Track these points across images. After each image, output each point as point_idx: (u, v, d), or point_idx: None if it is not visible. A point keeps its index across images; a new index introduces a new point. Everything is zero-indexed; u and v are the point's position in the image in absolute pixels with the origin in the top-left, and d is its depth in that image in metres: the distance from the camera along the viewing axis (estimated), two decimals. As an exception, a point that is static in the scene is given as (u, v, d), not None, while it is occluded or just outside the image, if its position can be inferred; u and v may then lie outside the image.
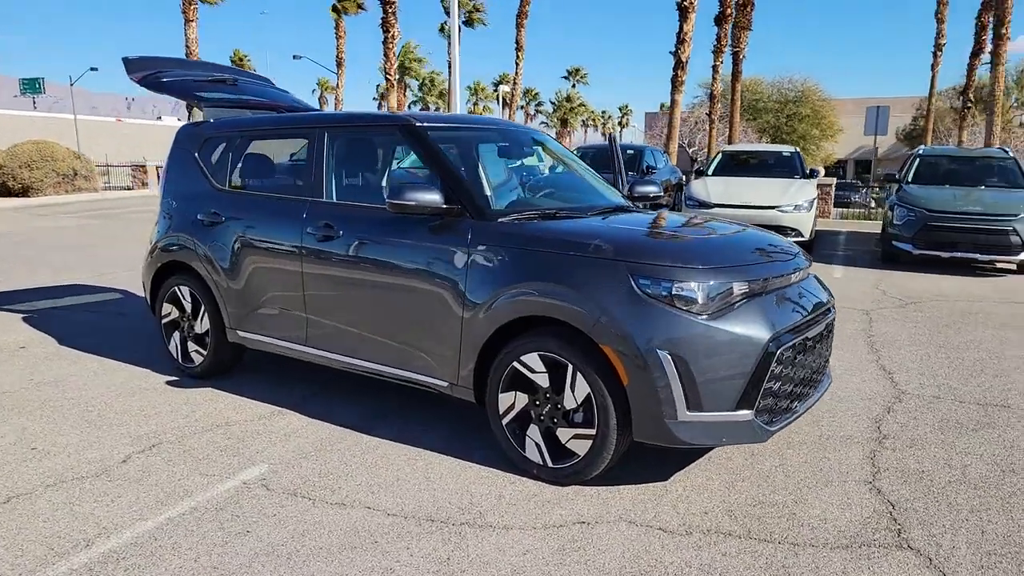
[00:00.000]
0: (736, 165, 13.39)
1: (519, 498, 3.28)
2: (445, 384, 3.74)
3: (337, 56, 38.73)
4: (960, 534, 3.00)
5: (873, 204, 21.64)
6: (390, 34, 23.01)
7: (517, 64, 33.01)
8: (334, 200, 4.23)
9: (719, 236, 3.74)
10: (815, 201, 11.74)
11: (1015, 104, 48.80)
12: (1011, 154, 11.70)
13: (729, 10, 23.94)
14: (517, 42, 32.62)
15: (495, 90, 70.34)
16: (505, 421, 3.52)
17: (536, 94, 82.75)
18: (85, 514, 3.10)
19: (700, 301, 3.13)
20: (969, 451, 3.86)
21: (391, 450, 3.79)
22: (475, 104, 75.85)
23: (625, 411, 3.20)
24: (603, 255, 3.28)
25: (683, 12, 18.00)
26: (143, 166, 27.66)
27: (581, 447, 3.30)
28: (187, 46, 29.19)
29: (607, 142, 15.22)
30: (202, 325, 4.81)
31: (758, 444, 3.73)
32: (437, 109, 60.19)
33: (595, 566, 2.74)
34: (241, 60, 57.33)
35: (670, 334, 3.08)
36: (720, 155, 13.74)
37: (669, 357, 3.06)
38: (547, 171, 5.30)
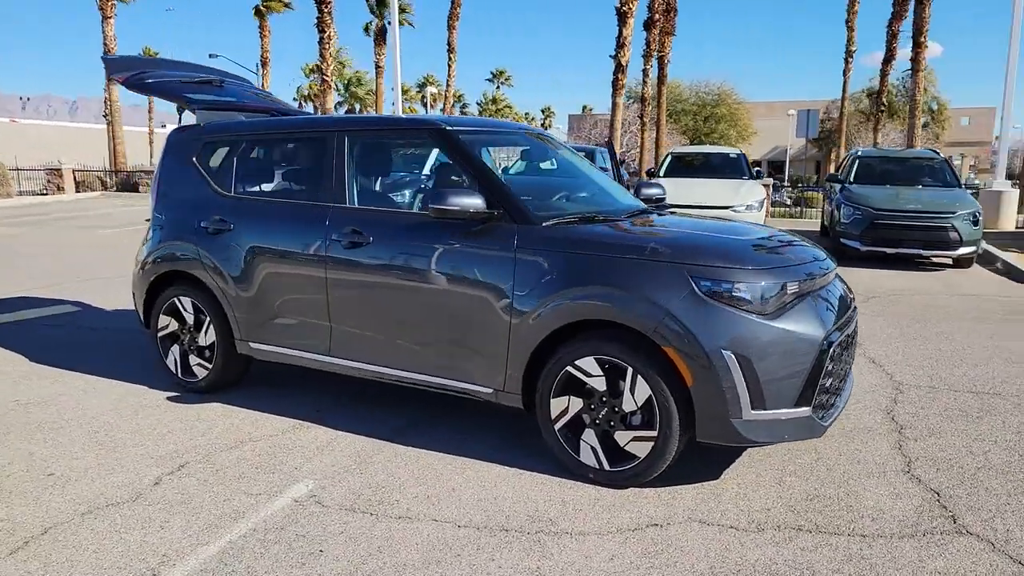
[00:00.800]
0: (684, 167, 13.70)
1: (583, 503, 3.27)
2: (489, 391, 3.70)
3: (262, 56, 37.68)
4: (1008, 518, 3.16)
5: (789, 202, 22.50)
6: (326, 34, 22.51)
7: (450, 66, 32.81)
8: (358, 205, 4.12)
9: (759, 238, 3.81)
10: (765, 201, 12.14)
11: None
12: (940, 155, 12.40)
13: (657, 16, 24.49)
14: (449, 44, 32.44)
15: (420, 91, 69.84)
16: (558, 426, 3.50)
17: (460, 95, 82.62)
18: (137, 542, 2.92)
19: (759, 301, 3.19)
20: (983, 438, 4.06)
21: (434, 460, 3.72)
22: (402, 105, 75.11)
23: (687, 412, 3.23)
24: (661, 258, 3.31)
25: (622, 17, 18.34)
26: (58, 170, 26.21)
27: (641, 449, 3.32)
28: (105, 44, 27.84)
29: (594, 146, 15.36)
30: (206, 337, 4.60)
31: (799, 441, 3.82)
32: (362, 110, 59.34)
33: (686, 568, 2.76)
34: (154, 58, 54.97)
35: (734, 334, 3.13)
36: (669, 157, 14.05)
37: (734, 357, 3.11)
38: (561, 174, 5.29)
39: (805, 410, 3.24)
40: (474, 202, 3.57)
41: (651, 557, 2.83)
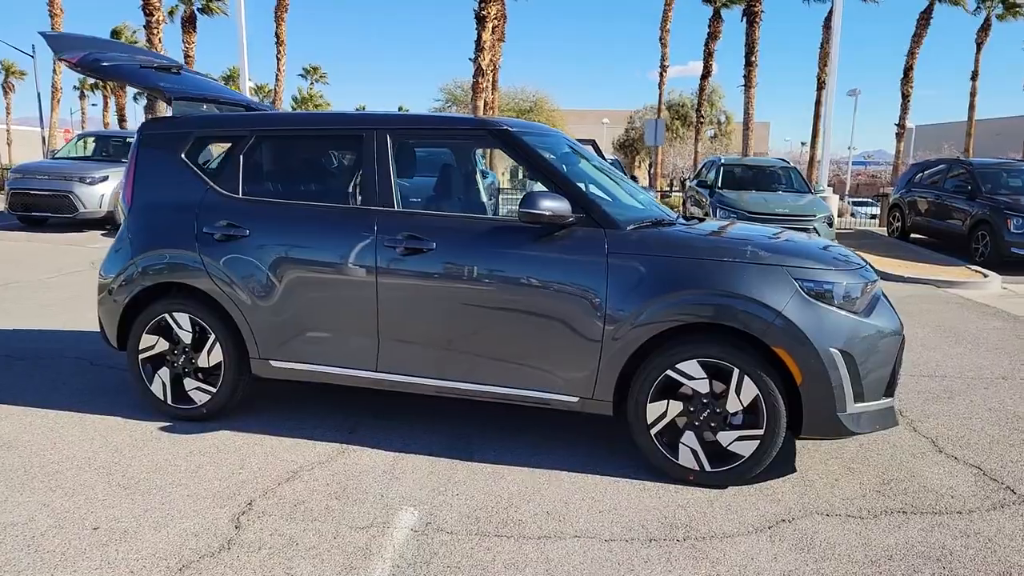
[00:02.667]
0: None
1: (700, 506, 3.29)
2: (575, 400, 3.61)
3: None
4: (1050, 485, 3.60)
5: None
6: (154, 17, 20.44)
7: (279, 60, 31.16)
8: (407, 209, 3.86)
9: (819, 243, 4.01)
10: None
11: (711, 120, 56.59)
12: (790, 163, 13.73)
13: (478, 27, 24.93)
14: (277, 36, 30.81)
15: (232, 86, 65.74)
16: (654, 431, 3.50)
17: (270, 91, 78.63)
18: (278, 595, 2.55)
19: (854, 299, 3.39)
20: (975, 415, 4.57)
21: (520, 475, 3.57)
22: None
23: (794, 410, 3.36)
24: (763, 260, 3.41)
25: (481, 21, 18.51)
26: None
27: (746, 448, 3.40)
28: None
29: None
30: (210, 357, 4.08)
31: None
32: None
33: (844, 558, 2.87)
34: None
35: (839, 332, 3.30)
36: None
37: (840, 354, 3.28)
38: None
39: (890, 400, 3.49)
40: (563, 207, 3.48)
41: (805, 551, 2.92)
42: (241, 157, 4.12)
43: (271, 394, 4.59)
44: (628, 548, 2.92)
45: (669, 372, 3.44)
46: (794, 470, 3.70)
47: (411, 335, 3.78)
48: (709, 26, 28.10)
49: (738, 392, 3.38)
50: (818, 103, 31.10)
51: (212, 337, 4.06)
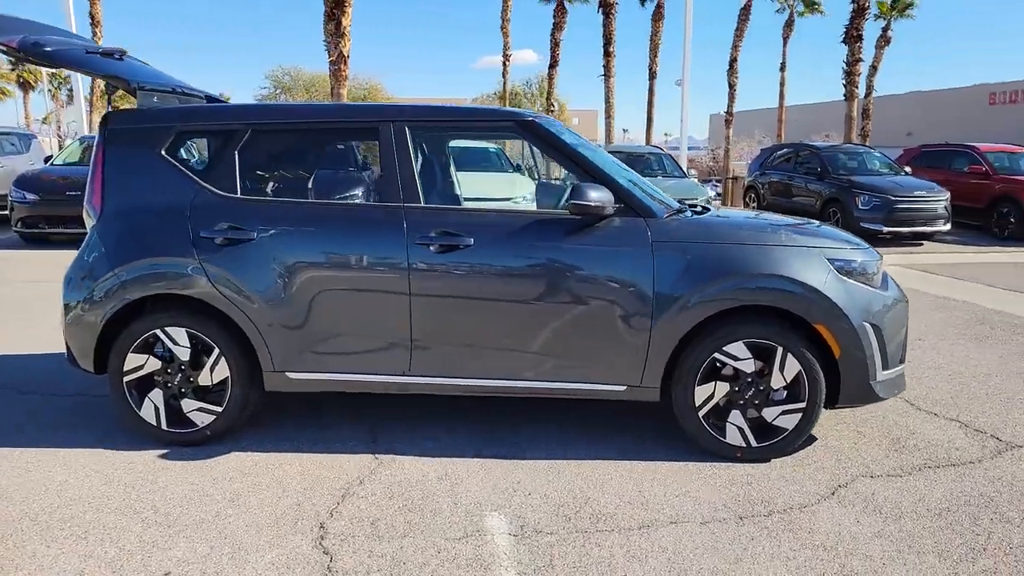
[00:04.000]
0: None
1: (760, 481, 3.44)
2: (622, 388, 3.65)
3: None
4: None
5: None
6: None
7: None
8: (435, 205, 3.70)
9: (820, 223, 4.26)
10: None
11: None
12: (663, 151, 14.43)
13: (335, 10, 24.17)
14: (92, 16, 28.07)
15: (14, 69, 58.89)
16: (702, 412, 3.61)
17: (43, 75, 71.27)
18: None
19: (873, 275, 3.67)
20: (924, 375, 5.08)
21: (582, 469, 3.55)
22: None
23: (831, 381, 3.59)
24: (798, 243, 3.60)
25: (340, 4, 17.82)
26: None
27: (789, 422, 3.60)
28: None
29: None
30: (214, 374, 3.71)
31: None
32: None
33: (933, 511, 3.13)
34: None
35: (868, 306, 3.57)
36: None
37: (870, 327, 3.55)
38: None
39: (903, 366, 3.81)
40: (609, 197, 3.50)
41: (876, 512, 3.14)
42: (235, 153, 3.76)
43: (264, 409, 4.24)
44: (727, 528, 3.00)
45: (716, 355, 3.56)
46: (815, 438, 3.95)
47: (448, 335, 3.64)
48: (554, 16, 28.83)
49: (782, 369, 3.55)
50: (651, 91, 32.88)
51: (216, 351, 3.69)
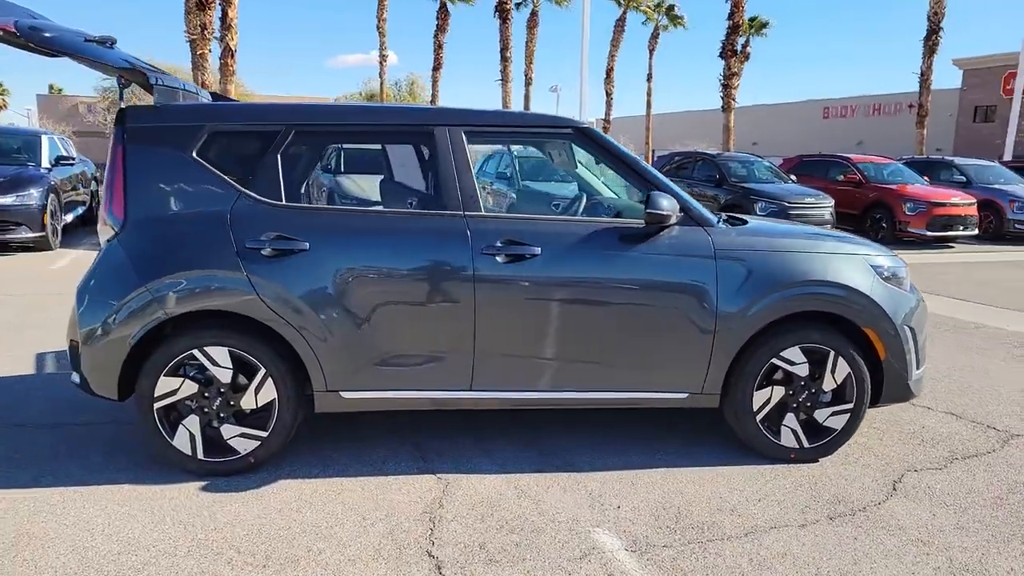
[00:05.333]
0: None
1: (826, 481, 3.58)
2: (684, 396, 3.69)
3: None
4: (1018, 418, 4.49)
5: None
6: None
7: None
8: (496, 214, 3.59)
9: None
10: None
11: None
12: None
13: (223, 2, 22.89)
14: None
15: None
16: (759, 417, 3.72)
17: None
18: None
19: (902, 279, 3.92)
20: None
21: (653, 479, 3.56)
22: None
23: (876, 382, 3.80)
24: (845, 251, 3.79)
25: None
26: None
27: (839, 422, 3.77)
28: None
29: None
30: (259, 396, 3.41)
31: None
32: None
33: (974, 503, 3.36)
34: None
35: (905, 310, 3.80)
36: None
37: (908, 329, 3.79)
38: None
39: (924, 367, 4.09)
40: (676, 205, 3.54)
41: (942, 505, 3.35)
42: (278, 157, 3.48)
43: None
44: (825, 530, 3.11)
45: (774, 360, 3.68)
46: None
47: (513, 347, 3.54)
48: (437, 18, 28.70)
49: (833, 372, 3.72)
50: (527, 97, 33.47)
51: (262, 372, 3.40)
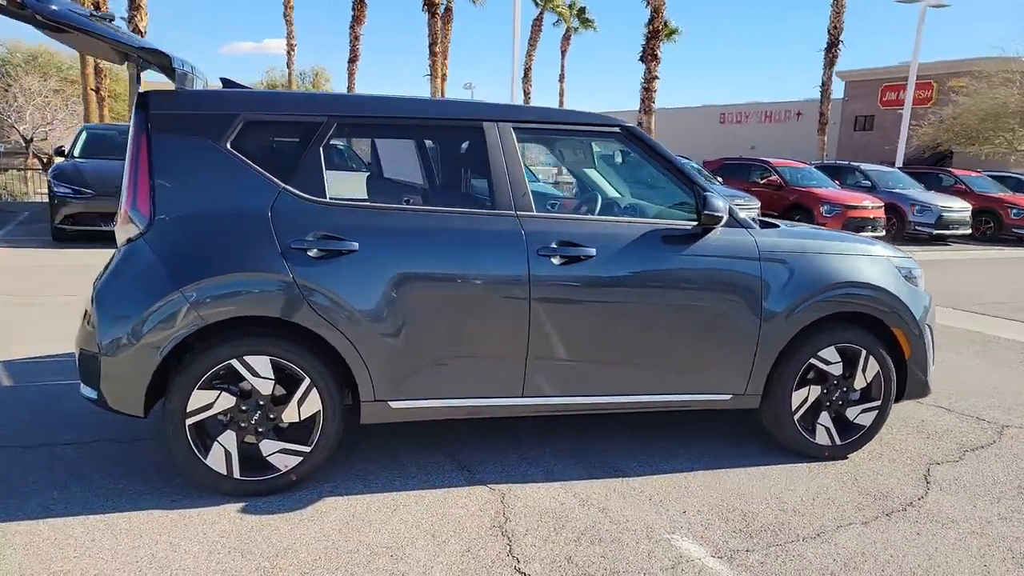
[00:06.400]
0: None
1: (866, 477, 3.66)
2: (727, 397, 3.69)
3: None
4: (1000, 409, 4.75)
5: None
6: None
7: None
8: (549, 214, 3.48)
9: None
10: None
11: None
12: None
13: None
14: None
15: None
16: (797, 416, 3.77)
17: None
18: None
19: (918, 279, 4.06)
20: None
21: (705, 481, 3.54)
22: None
23: (900, 379, 3.92)
24: (875, 253, 3.89)
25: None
26: None
27: (867, 419, 3.87)
28: None
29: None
30: (302, 409, 3.17)
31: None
32: None
33: (1004, 493, 3.52)
34: None
35: (924, 309, 3.95)
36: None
37: (927, 327, 3.93)
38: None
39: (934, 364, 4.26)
40: (727, 206, 3.54)
41: (980, 497, 3.49)
42: (319, 151, 3.25)
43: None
44: (888, 526, 3.17)
45: (812, 360, 3.73)
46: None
47: (567, 352, 3.44)
48: (354, 9, 27.96)
49: (864, 371, 3.81)
50: (441, 93, 33.23)
51: (306, 382, 3.16)
